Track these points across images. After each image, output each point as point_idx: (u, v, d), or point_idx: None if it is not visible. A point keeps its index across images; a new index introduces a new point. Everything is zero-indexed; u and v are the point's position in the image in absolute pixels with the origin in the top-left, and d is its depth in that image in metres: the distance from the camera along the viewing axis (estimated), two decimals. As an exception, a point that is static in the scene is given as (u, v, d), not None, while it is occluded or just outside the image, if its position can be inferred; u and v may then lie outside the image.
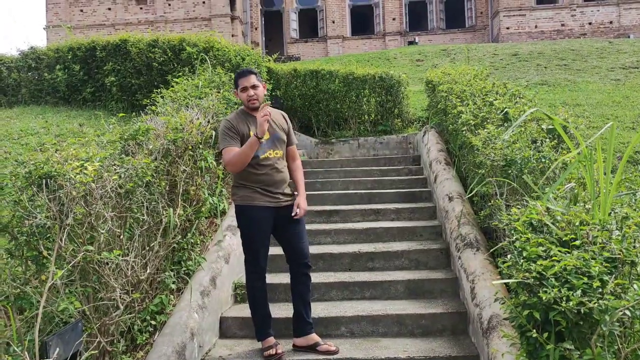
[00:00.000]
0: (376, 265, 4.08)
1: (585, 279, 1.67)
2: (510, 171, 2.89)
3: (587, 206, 2.22)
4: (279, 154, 3.08)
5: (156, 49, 7.25)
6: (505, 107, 3.49)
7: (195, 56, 6.55)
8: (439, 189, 4.77)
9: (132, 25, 19.88)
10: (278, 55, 9.02)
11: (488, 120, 3.89)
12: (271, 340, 3.05)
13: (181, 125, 3.60)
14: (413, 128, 8.17)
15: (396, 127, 8.31)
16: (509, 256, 1.89)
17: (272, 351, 2.97)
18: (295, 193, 3.15)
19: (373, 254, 4.11)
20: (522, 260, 1.82)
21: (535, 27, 19.16)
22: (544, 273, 1.72)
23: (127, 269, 2.73)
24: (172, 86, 5.08)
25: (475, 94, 4.77)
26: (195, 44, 6.84)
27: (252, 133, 2.98)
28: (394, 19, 22.27)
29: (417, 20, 22.83)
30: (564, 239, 1.89)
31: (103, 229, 2.51)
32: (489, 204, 3.21)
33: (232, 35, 19.42)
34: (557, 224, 2.07)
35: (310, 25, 23.77)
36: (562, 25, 19.04)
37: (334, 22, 22.38)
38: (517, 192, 2.87)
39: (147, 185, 2.95)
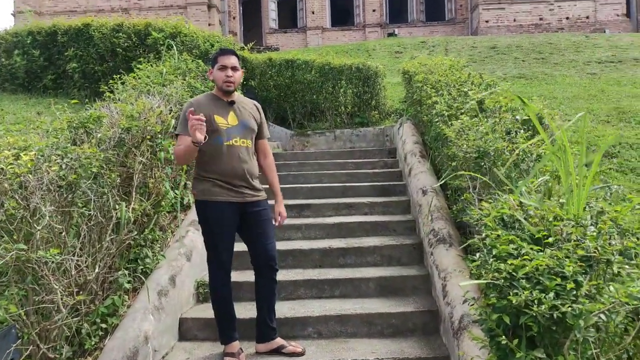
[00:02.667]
0: (347, 261, 3.92)
1: (559, 280, 1.53)
2: (482, 163, 2.75)
3: (561, 200, 2.09)
4: (246, 143, 2.83)
5: (120, 34, 6.89)
6: (480, 97, 3.36)
7: (161, 42, 6.23)
8: (413, 182, 4.64)
9: (104, 12, 19.20)
10: (256, 46, 8.77)
11: (462, 111, 3.75)
12: (235, 345, 2.85)
13: (138, 113, 3.36)
14: (390, 120, 8.03)
15: (373, 119, 8.15)
16: (477, 255, 1.74)
17: None
18: (263, 190, 2.94)
19: (344, 250, 3.95)
20: (491, 260, 1.67)
21: (514, 20, 19.23)
22: (514, 273, 1.58)
23: (72, 268, 2.51)
24: (135, 73, 4.81)
25: (450, 84, 4.64)
26: (161, 29, 6.50)
27: (217, 120, 2.76)
28: (374, 11, 22.07)
29: (397, 12, 22.70)
30: (536, 236, 1.75)
31: (40, 225, 2.27)
32: (462, 197, 3.08)
33: (209, 25, 18.96)
34: (530, 220, 1.93)
35: (289, 16, 23.41)
36: (540, 19, 19.16)
37: (313, 12, 22.07)
38: (490, 185, 2.73)
39: (95, 177, 2.71)
